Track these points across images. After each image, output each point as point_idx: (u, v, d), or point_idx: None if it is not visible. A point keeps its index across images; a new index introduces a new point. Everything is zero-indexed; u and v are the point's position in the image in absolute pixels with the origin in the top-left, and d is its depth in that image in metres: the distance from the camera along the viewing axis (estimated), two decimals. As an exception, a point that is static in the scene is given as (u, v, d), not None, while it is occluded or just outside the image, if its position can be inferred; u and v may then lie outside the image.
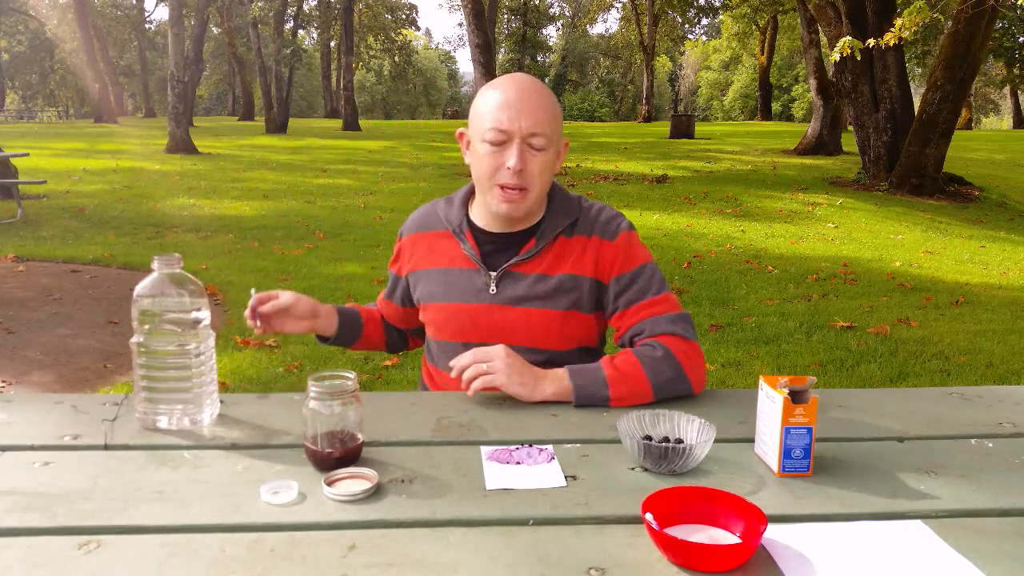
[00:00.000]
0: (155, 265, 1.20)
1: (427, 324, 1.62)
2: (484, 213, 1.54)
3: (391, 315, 1.75)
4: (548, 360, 1.48)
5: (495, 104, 1.43)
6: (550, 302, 1.50)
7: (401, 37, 45.93)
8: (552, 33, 58.14)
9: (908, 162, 11.89)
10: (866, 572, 0.88)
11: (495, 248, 1.53)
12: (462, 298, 1.53)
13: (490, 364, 1.35)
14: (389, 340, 1.78)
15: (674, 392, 1.39)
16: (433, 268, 1.58)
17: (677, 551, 0.89)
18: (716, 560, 0.88)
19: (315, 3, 38.87)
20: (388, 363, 4.11)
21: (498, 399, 1.41)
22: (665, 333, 1.44)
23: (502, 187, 1.45)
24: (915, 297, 5.96)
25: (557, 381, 1.37)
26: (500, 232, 1.54)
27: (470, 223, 1.56)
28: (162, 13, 64.83)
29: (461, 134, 1.54)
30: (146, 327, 1.20)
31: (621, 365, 1.38)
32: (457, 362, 1.37)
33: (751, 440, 1.21)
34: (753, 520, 0.93)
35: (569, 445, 1.21)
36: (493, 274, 1.52)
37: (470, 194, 1.60)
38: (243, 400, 1.39)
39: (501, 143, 1.43)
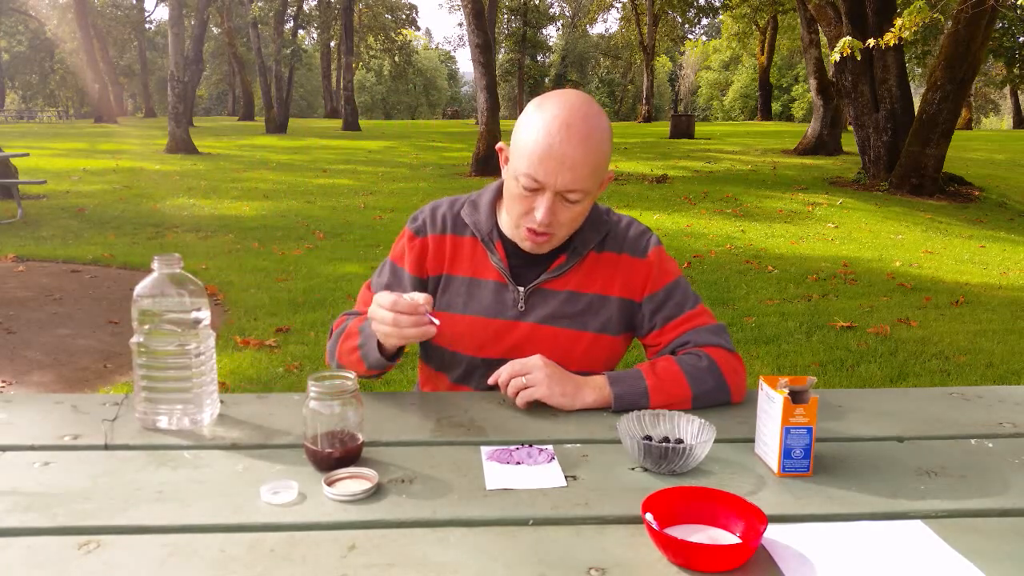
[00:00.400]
0: (155, 265, 1.20)
1: (439, 332, 1.53)
2: None
3: None
4: None
5: (537, 149, 1.32)
6: (579, 322, 1.47)
7: (401, 37, 45.94)
8: (552, 33, 58.18)
9: (908, 162, 11.89)
10: (866, 572, 0.88)
11: (523, 261, 1.48)
12: (487, 312, 1.47)
13: (530, 377, 1.33)
14: None
15: (714, 402, 1.38)
16: (457, 275, 1.51)
17: (677, 551, 0.89)
18: (716, 560, 0.88)
19: (315, 3, 38.89)
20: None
21: (498, 400, 1.42)
22: (709, 344, 1.43)
23: (529, 229, 1.40)
24: (915, 297, 5.96)
25: (598, 389, 1.34)
26: None
27: (500, 232, 1.50)
28: (162, 13, 64.86)
29: (501, 148, 1.47)
30: (146, 327, 1.20)
31: (662, 373, 1.36)
32: (496, 377, 1.36)
33: (751, 440, 1.21)
34: (753, 520, 0.93)
35: (569, 445, 1.21)
36: (521, 290, 1.47)
37: (497, 198, 1.53)
38: (243, 400, 1.39)
39: (534, 190, 1.36)
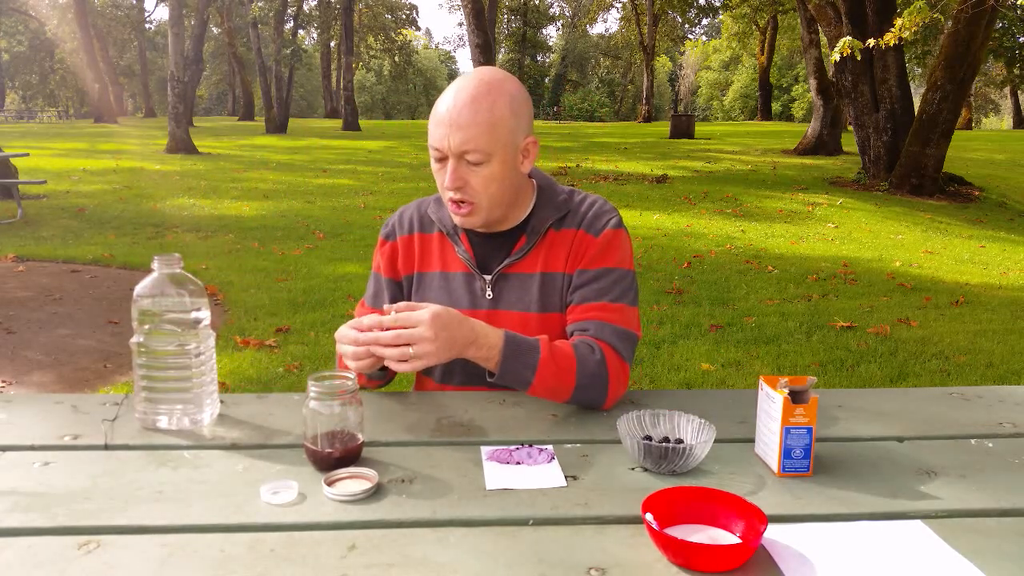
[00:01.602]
0: (155, 265, 1.20)
1: None
2: None
3: None
4: None
5: (434, 118, 1.39)
6: (546, 303, 1.47)
7: (401, 37, 45.96)
8: (552, 33, 58.15)
9: (908, 162, 11.90)
10: (866, 572, 0.88)
11: (488, 249, 1.50)
12: (459, 304, 1.47)
13: (417, 348, 1.21)
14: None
15: (588, 401, 1.34)
16: (428, 272, 1.53)
17: (677, 551, 0.89)
18: (716, 560, 0.88)
19: (315, 3, 38.88)
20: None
21: (498, 400, 1.42)
22: (607, 342, 1.38)
23: (451, 200, 1.42)
24: (915, 297, 5.96)
25: (488, 350, 1.29)
26: (491, 232, 1.50)
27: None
28: (162, 13, 64.84)
29: None
30: (146, 327, 1.20)
31: (558, 355, 1.32)
32: (374, 340, 1.23)
33: (751, 440, 1.21)
34: (753, 520, 0.93)
35: (569, 445, 1.21)
36: (488, 277, 1.48)
37: None
38: (243, 400, 1.39)
39: (441, 160, 1.40)
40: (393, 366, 1.25)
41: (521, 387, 1.32)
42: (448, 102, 1.36)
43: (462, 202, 1.41)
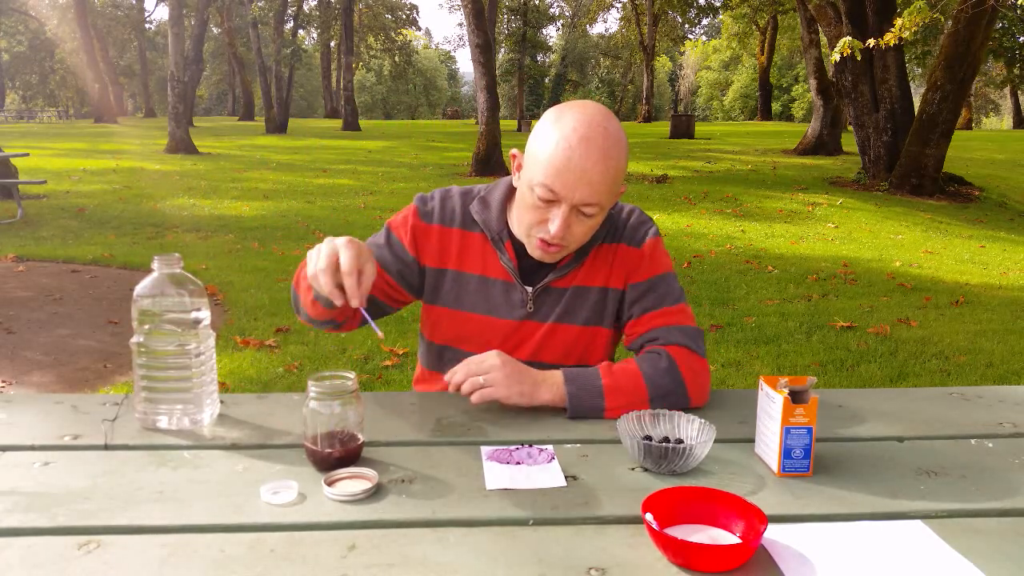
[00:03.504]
0: (155, 265, 1.20)
1: (444, 329, 1.52)
2: None
3: (376, 287, 1.46)
4: None
5: (556, 162, 1.30)
6: (584, 318, 1.47)
7: (401, 37, 45.95)
8: (552, 33, 58.13)
9: (908, 162, 11.90)
10: (866, 572, 0.88)
11: (532, 260, 1.46)
12: (497, 312, 1.47)
13: (488, 377, 1.30)
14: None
15: (673, 404, 1.35)
16: (465, 272, 1.49)
17: (677, 551, 0.89)
18: (716, 560, 0.88)
19: (315, 3, 38.90)
20: (388, 363, 4.11)
21: (498, 399, 1.42)
22: (676, 344, 1.40)
23: (541, 239, 1.37)
24: (915, 297, 5.96)
25: (554, 388, 1.33)
26: None
27: (509, 232, 1.48)
28: (162, 13, 64.88)
29: (515, 155, 1.43)
30: (146, 327, 1.20)
31: (620, 374, 1.34)
32: (451, 376, 1.32)
33: (751, 440, 1.21)
34: (753, 520, 0.93)
35: (569, 445, 1.21)
36: (530, 289, 1.46)
37: (507, 197, 1.50)
38: (243, 400, 1.39)
39: (550, 202, 1.33)
40: (465, 389, 1.30)
41: (598, 415, 1.33)
42: (579, 151, 1.29)
43: (556, 245, 1.37)
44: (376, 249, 1.49)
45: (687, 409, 1.34)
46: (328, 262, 1.22)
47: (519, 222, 1.42)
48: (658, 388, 1.34)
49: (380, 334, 1.25)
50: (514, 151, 1.44)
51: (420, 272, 1.51)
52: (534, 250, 1.40)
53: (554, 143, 1.31)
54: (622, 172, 1.35)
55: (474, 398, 1.30)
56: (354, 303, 1.21)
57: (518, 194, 1.42)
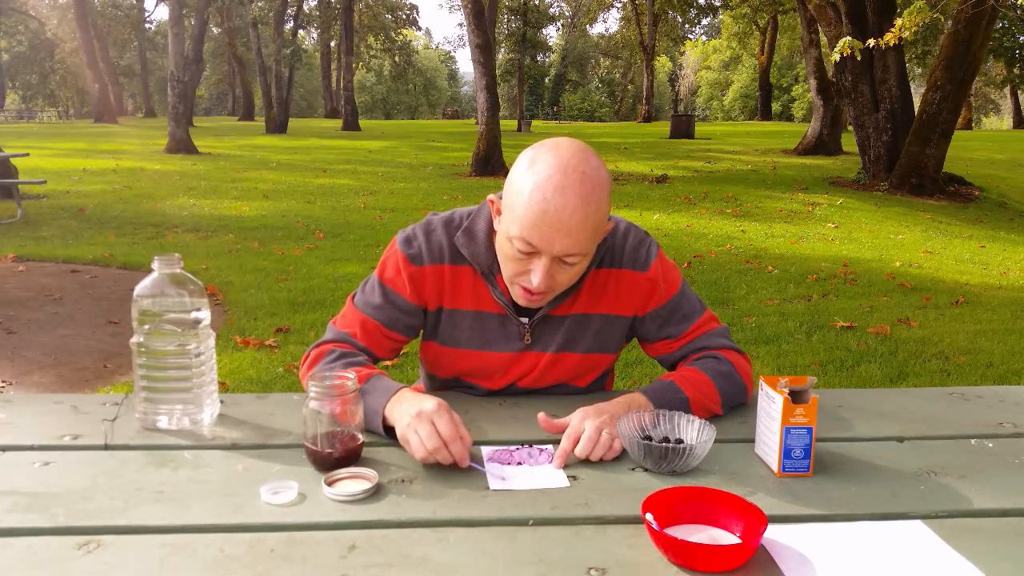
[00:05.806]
0: (155, 265, 1.20)
1: (444, 366, 1.49)
2: None
3: (384, 348, 1.48)
4: (568, 394, 1.47)
5: (530, 215, 1.22)
6: (584, 346, 1.45)
7: (401, 37, 45.94)
8: (552, 33, 58.08)
9: (908, 162, 11.90)
10: (866, 572, 0.88)
11: None
12: (494, 346, 1.43)
13: (602, 439, 1.19)
14: None
15: (735, 403, 1.41)
16: (459, 309, 1.44)
17: (677, 551, 0.89)
18: (716, 560, 0.88)
19: (315, 3, 38.91)
20: (388, 364, 4.11)
21: (498, 400, 1.42)
22: (723, 347, 1.44)
23: (524, 288, 1.31)
24: (915, 297, 5.96)
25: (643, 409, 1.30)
26: None
27: (499, 265, 1.40)
28: (162, 13, 64.88)
29: (492, 201, 1.36)
30: (146, 327, 1.20)
31: (697, 385, 1.36)
32: (581, 454, 1.18)
33: (751, 440, 1.21)
34: (753, 520, 0.93)
35: (569, 445, 1.21)
36: (525, 321, 1.42)
37: (491, 229, 1.41)
38: (243, 400, 1.39)
39: (529, 254, 1.27)
40: (598, 456, 1.19)
41: None
42: (555, 202, 1.21)
43: (538, 293, 1.31)
44: (375, 311, 1.43)
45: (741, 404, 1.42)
46: (438, 443, 1.12)
47: (502, 268, 1.36)
48: (727, 392, 1.38)
49: (492, 485, 1.12)
50: (491, 197, 1.37)
51: (424, 315, 1.46)
52: (519, 297, 1.34)
53: (527, 194, 1.23)
54: (604, 215, 1.28)
55: (610, 455, 1.19)
56: (463, 465, 1.14)
57: (498, 242, 1.34)
